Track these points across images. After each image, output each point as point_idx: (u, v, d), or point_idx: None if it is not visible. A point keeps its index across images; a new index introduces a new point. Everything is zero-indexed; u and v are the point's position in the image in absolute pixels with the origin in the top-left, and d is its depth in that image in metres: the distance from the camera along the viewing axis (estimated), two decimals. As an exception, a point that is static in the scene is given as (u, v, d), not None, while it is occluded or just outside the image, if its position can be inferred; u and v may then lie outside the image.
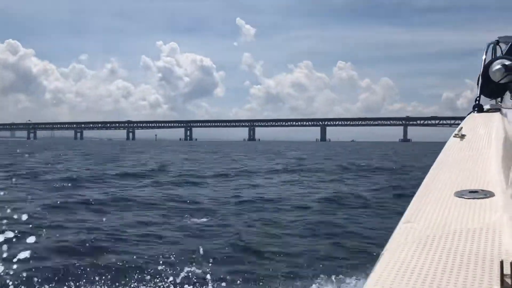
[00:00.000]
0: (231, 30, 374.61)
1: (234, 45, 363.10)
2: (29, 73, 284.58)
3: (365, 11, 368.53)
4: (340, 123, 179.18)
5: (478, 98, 3.24)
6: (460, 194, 1.21)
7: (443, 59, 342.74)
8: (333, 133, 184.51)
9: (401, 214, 1.13)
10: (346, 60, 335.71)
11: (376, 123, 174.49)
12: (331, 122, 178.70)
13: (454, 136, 2.20)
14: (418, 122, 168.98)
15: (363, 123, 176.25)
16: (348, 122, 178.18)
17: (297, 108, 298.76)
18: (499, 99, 3.80)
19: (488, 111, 3.21)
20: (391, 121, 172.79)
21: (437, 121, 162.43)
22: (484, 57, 3.46)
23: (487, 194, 1.19)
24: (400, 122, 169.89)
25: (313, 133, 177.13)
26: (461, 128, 2.34)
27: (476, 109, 3.18)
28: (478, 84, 3.25)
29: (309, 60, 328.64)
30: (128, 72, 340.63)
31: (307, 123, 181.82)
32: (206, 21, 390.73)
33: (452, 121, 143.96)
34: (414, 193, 1.30)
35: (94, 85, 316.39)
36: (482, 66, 3.23)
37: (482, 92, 3.25)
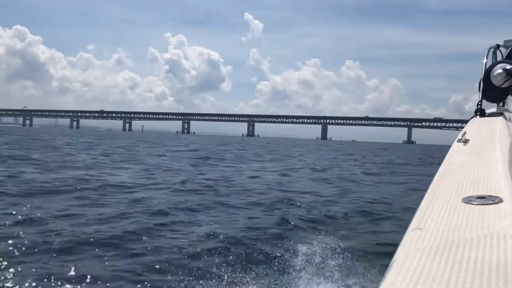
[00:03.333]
0: (240, 24, 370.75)
1: (242, 40, 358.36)
2: (37, 61, 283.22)
3: (374, 11, 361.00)
4: (342, 121, 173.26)
5: (480, 103, 3.31)
6: (468, 200, 1.19)
7: (452, 61, 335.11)
8: (336, 132, 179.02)
9: None
10: (354, 59, 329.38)
11: (380, 123, 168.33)
12: (333, 120, 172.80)
13: (457, 141, 2.24)
14: (423, 124, 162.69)
15: (366, 122, 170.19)
16: (351, 121, 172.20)
17: (304, 106, 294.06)
18: (501, 103, 3.80)
19: (490, 115, 3.27)
20: (395, 122, 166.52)
21: (442, 124, 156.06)
22: (484, 61, 3.48)
23: (496, 200, 1.16)
24: (405, 124, 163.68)
25: (316, 131, 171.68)
26: (465, 132, 2.37)
27: (478, 113, 3.28)
28: (479, 88, 3.31)
29: (317, 58, 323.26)
30: (135, 63, 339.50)
31: (308, 121, 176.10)
32: (214, 15, 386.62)
33: (459, 124, 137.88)
34: None
35: (101, 75, 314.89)
36: (483, 70, 3.27)
37: (484, 96, 3.31)
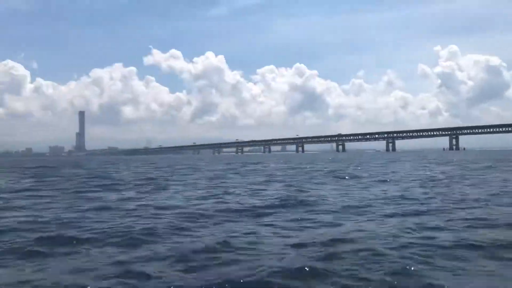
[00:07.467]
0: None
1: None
2: (314, 92, 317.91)
3: None
4: None
5: None
6: None
7: None
8: None
9: None
10: None
11: None
12: None
13: None
14: None
15: None
16: None
17: None
18: None
19: None
20: None
21: None
22: None
23: None
24: None
25: None
26: None
27: None
28: None
29: None
30: (405, 82, 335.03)
31: None
32: (486, 19, 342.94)
33: None
34: None
35: (372, 98, 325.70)
36: None
37: None
